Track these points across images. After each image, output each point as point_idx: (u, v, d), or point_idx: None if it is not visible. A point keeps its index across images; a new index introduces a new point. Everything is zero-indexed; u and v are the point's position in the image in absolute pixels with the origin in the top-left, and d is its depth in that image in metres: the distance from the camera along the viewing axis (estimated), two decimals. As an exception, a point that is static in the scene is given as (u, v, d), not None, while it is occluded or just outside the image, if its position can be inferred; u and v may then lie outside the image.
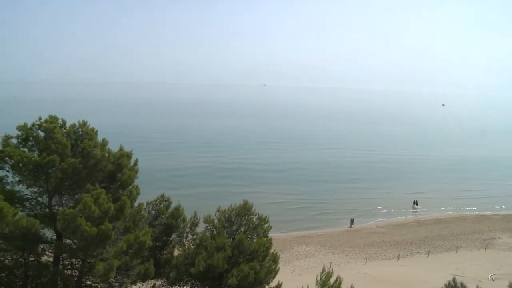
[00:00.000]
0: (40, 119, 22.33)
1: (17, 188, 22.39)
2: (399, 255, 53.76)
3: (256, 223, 27.09)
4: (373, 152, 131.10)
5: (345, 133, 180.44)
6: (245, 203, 27.23)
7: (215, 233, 26.39)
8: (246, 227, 26.89)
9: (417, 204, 76.42)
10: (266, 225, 27.48)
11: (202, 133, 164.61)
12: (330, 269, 25.51)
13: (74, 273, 24.15)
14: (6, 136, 22.06)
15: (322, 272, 24.86)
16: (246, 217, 27.15)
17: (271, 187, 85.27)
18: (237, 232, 26.73)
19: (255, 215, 27.37)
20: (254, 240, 26.59)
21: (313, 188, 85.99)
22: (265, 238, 26.95)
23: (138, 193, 23.94)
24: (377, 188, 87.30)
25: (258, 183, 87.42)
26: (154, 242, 24.96)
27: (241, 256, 25.95)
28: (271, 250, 26.95)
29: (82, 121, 23.28)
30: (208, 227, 26.97)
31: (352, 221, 66.81)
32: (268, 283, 25.70)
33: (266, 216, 27.71)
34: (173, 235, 26.93)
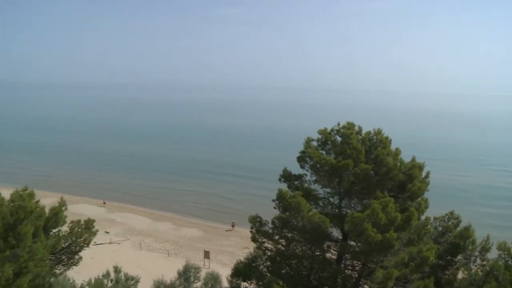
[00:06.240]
0: (338, 124, 23.95)
1: (313, 186, 24.61)
2: None
3: None
4: None
5: None
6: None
7: (511, 263, 23.49)
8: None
9: None
10: None
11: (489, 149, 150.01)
12: None
13: (353, 274, 24.93)
14: (308, 138, 24.44)
15: None
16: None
17: None
18: (538, 268, 23.18)
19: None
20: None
21: None
22: None
23: (426, 206, 23.25)
24: None
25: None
26: (437, 260, 23.80)
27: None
28: None
29: (377, 129, 23.92)
30: (502, 255, 24.12)
31: None
32: None
33: None
34: (459, 256, 25.06)
